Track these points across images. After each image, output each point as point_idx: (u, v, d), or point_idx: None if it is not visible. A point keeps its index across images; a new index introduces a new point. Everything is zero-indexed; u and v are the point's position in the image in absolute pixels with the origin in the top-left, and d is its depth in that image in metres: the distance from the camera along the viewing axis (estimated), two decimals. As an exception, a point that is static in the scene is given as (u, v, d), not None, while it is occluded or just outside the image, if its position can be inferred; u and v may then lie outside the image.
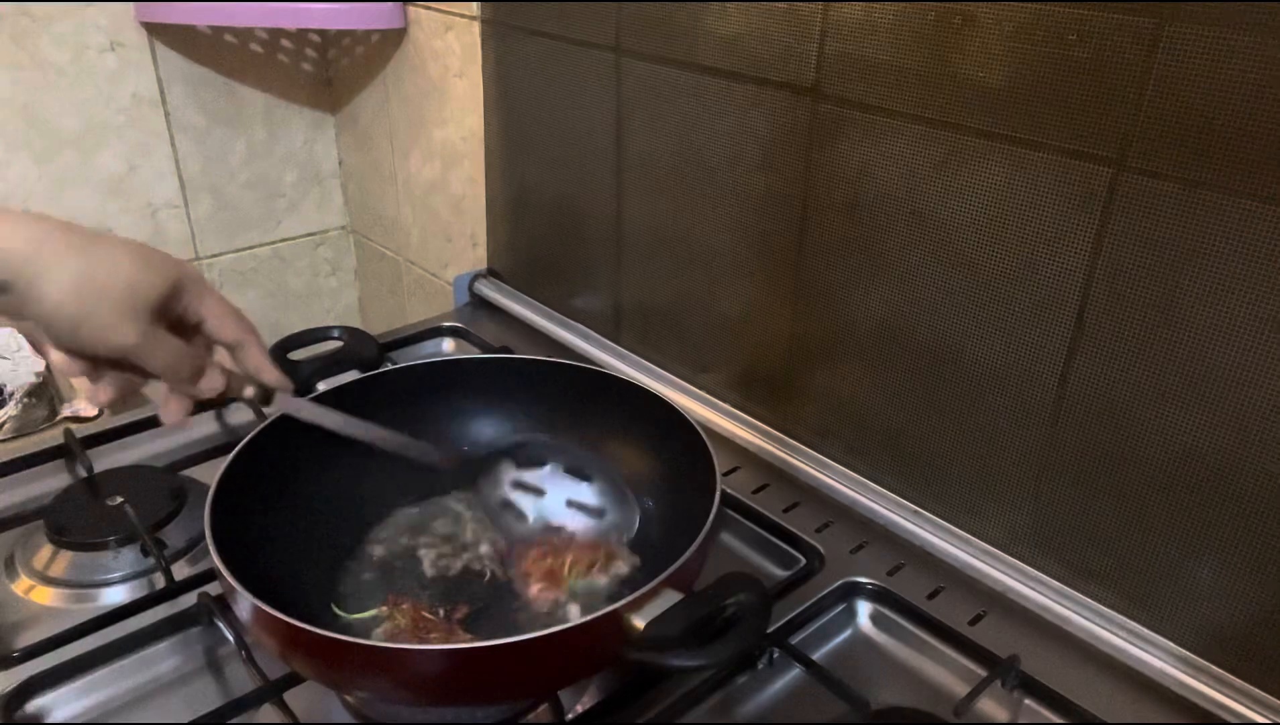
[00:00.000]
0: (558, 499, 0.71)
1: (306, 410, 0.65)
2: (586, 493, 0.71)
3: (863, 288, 0.75)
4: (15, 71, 1.16)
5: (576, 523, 0.69)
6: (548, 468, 0.71)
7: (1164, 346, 0.59)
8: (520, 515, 0.69)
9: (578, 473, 0.71)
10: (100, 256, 0.50)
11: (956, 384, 0.71)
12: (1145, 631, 0.65)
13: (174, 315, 0.56)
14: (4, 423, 0.98)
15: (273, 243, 1.45)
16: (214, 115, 1.33)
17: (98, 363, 0.54)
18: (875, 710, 0.60)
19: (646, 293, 0.96)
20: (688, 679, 0.62)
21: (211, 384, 0.59)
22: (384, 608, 0.64)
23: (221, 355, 0.61)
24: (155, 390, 0.60)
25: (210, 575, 0.69)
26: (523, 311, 1.11)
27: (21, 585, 0.71)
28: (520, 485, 0.70)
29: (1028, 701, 0.63)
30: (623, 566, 0.66)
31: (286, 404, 0.64)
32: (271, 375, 0.62)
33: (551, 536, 0.68)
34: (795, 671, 0.65)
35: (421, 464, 0.67)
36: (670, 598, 0.53)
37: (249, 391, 0.62)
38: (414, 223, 1.35)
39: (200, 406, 0.61)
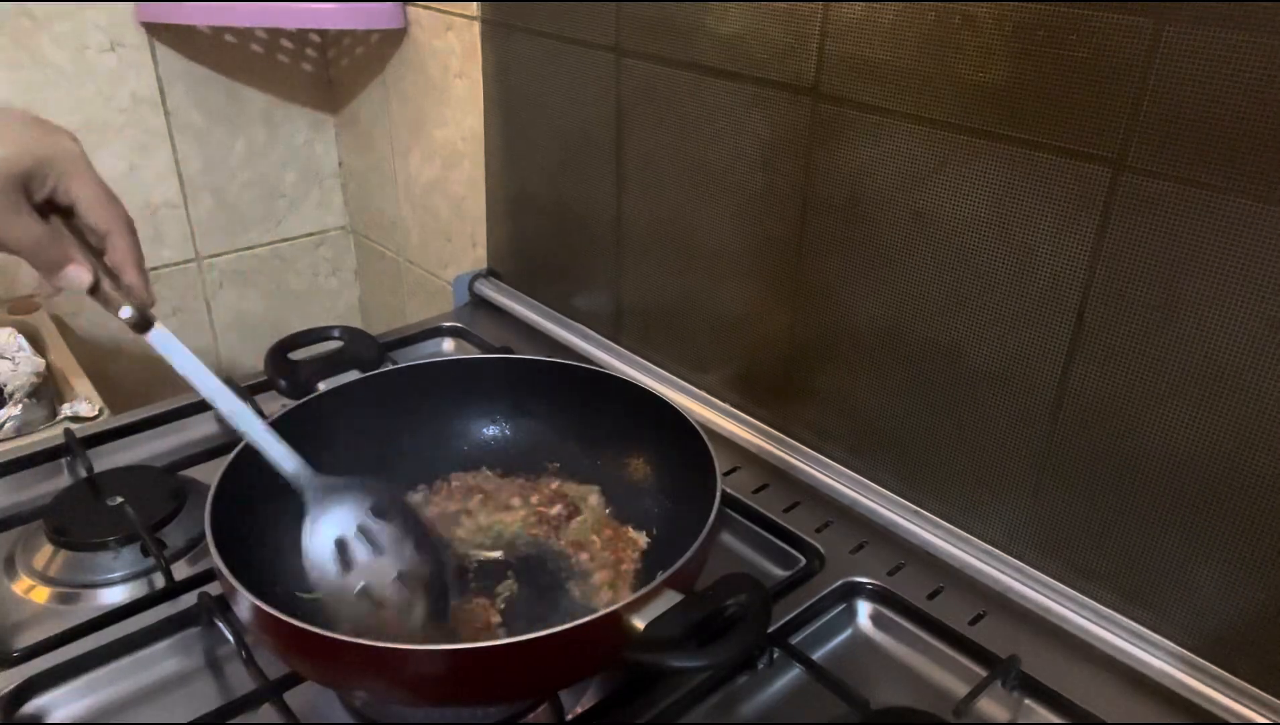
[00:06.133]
0: (390, 565, 0.62)
1: (177, 355, 0.57)
2: (421, 575, 0.62)
3: (863, 287, 0.75)
4: (15, 71, 1.16)
5: (390, 595, 0.61)
6: (399, 527, 0.63)
7: (1164, 346, 0.59)
8: (341, 563, 0.60)
9: (421, 550, 0.63)
10: None
11: (957, 384, 0.71)
12: (1145, 631, 0.65)
13: (42, 194, 0.54)
14: (4, 423, 0.98)
15: (273, 243, 1.45)
16: (214, 115, 1.33)
17: None
18: (875, 710, 0.60)
19: (646, 293, 0.96)
20: (688, 679, 0.62)
21: (77, 278, 0.54)
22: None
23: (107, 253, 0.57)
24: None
25: (210, 575, 0.69)
26: (523, 311, 1.11)
27: (21, 585, 0.71)
28: (365, 532, 0.62)
29: (1028, 701, 0.63)
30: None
31: (158, 341, 0.56)
32: (133, 275, 0.56)
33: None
34: (795, 671, 0.65)
35: (275, 468, 0.61)
36: (670, 598, 0.53)
37: (123, 311, 0.55)
38: (414, 223, 1.35)
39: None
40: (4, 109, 0.53)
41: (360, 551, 0.61)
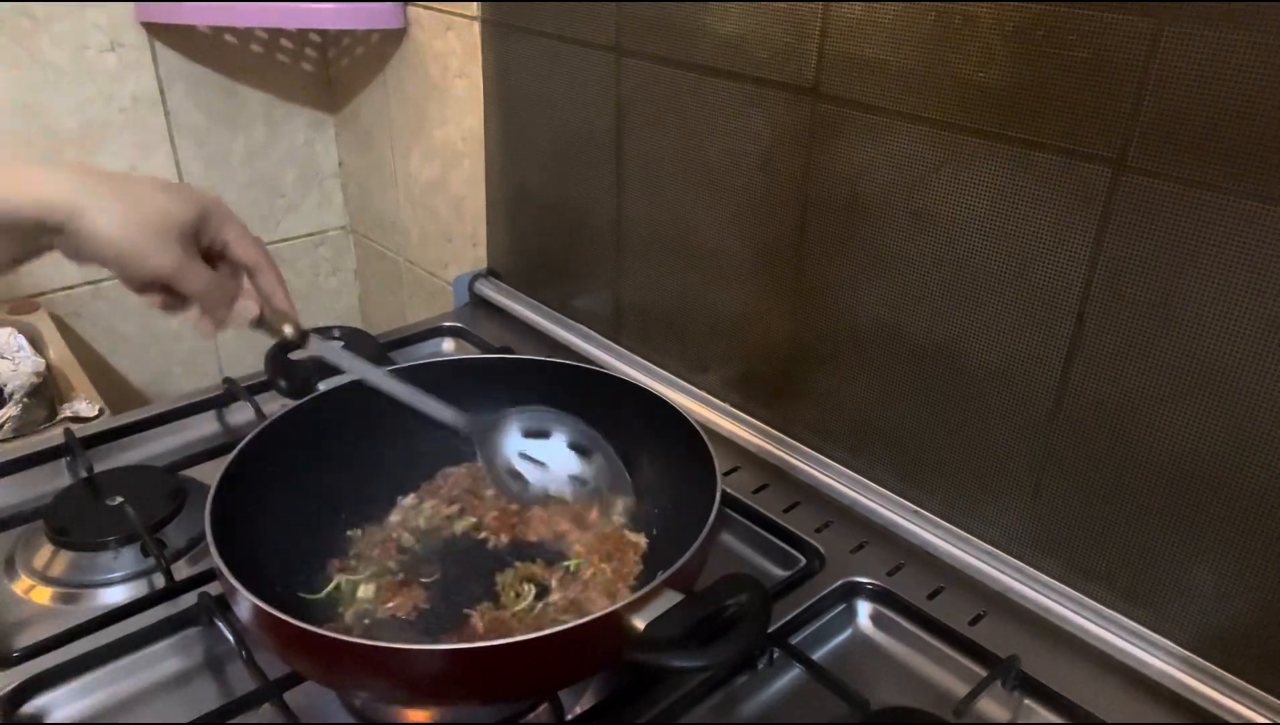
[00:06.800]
0: (559, 471, 0.73)
1: (334, 355, 0.66)
2: (586, 469, 0.73)
3: (863, 287, 0.75)
4: (15, 71, 1.16)
5: (577, 494, 0.72)
6: (551, 439, 0.73)
7: (1164, 346, 0.59)
8: (524, 484, 0.72)
9: (579, 448, 0.73)
10: (135, 195, 0.56)
11: (957, 384, 0.71)
12: (1145, 631, 0.65)
13: (204, 243, 0.60)
14: (4, 423, 0.98)
15: (273, 243, 1.45)
16: (214, 115, 1.33)
17: (149, 289, 0.59)
18: (875, 710, 0.60)
19: (646, 293, 0.96)
20: (688, 679, 0.62)
21: (243, 312, 0.62)
22: (339, 577, 0.67)
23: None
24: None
25: (210, 575, 0.69)
26: (523, 311, 1.11)
27: (21, 585, 0.71)
28: (525, 456, 0.72)
29: (1028, 701, 0.63)
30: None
31: (316, 347, 0.65)
32: (282, 301, 0.64)
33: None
34: (795, 671, 0.65)
35: (440, 425, 0.69)
36: (671, 598, 0.53)
37: (287, 329, 0.63)
38: (414, 223, 1.35)
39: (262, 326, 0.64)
40: (150, 177, 0.59)
41: (530, 469, 0.72)
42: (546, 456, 0.73)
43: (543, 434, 0.73)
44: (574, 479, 0.72)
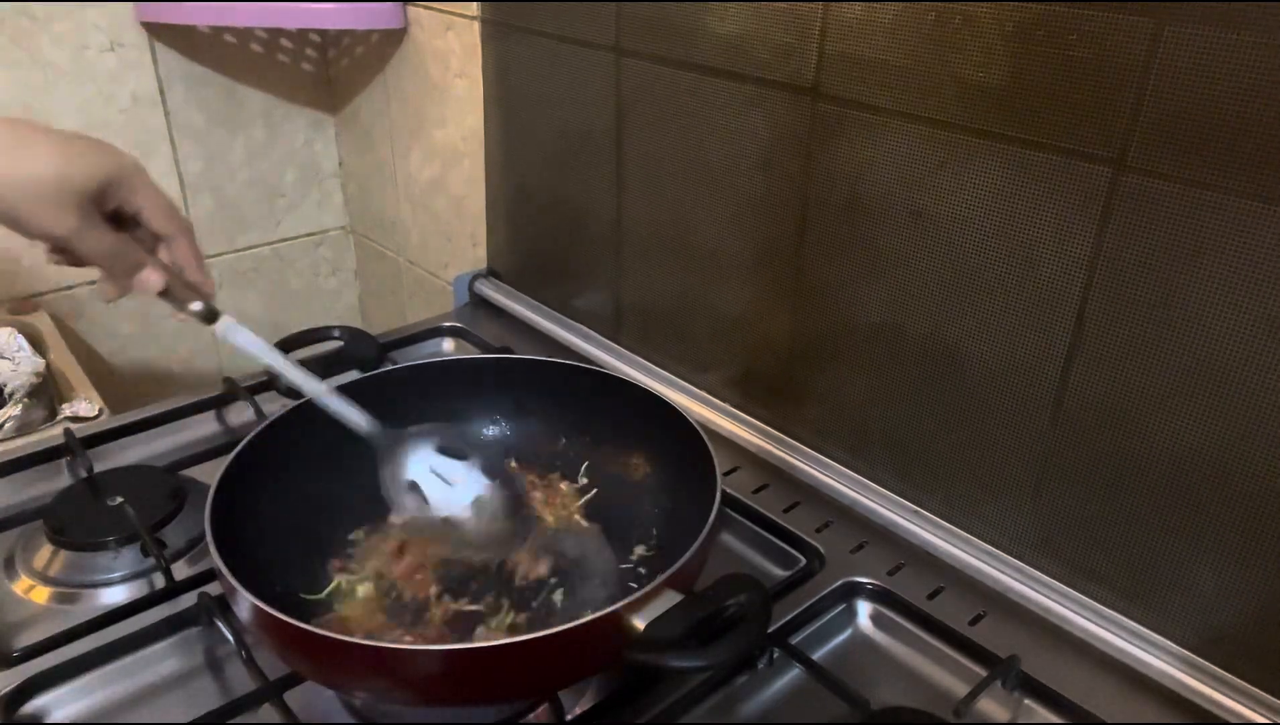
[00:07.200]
0: (464, 493, 0.69)
1: (244, 339, 0.62)
2: (493, 497, 0.69)
3: (863, 287, 0.75)
4: (15, 71, 1.16)
5: (472, 521, 0.68)
6: (467, 462, 0.69)
7: (1164, 346, 0.59)
8: (422, 500, 0.68)
9: (492, 475, 0.70)
10: (34, 151, 0.54)
11: (957, 384, 0.71)
12: (1145, 631, 0.65)
13: (111, 206, 0.58)
14: (4, 423, 0.98)
15: (273, 243, 1.45)
16: (214, 115, 1.33)
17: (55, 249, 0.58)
18: (875, 710, 0.60)
19: (646, 293, 0.96)
20: (688, 679, 0.62)
21: (148, 281, 0.59)
22: (339, 577, 0.67)
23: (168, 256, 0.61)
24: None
25: (210, 575, 0.69)
26: (523, 311, 1.11)
27: (21, 585, 0.71)
28: (435, 472, 0.68)
29: (1028, 701, 0.63)
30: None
31: (226, 330, 0.61)
32: (196, 273, 0.61)
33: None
34: (795, 671, 0.65)
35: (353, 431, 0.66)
36: (670, 598, 0.53)
37: (193, 305, 0.60)
38: (414, 223, 1.35)
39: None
40: (68, 132, 0.56)
41: (435, 488, 0.68)
42: (457, 476, 0.69)
43: (458, 454, 0.69)
44: (479, 502, 0.69)
